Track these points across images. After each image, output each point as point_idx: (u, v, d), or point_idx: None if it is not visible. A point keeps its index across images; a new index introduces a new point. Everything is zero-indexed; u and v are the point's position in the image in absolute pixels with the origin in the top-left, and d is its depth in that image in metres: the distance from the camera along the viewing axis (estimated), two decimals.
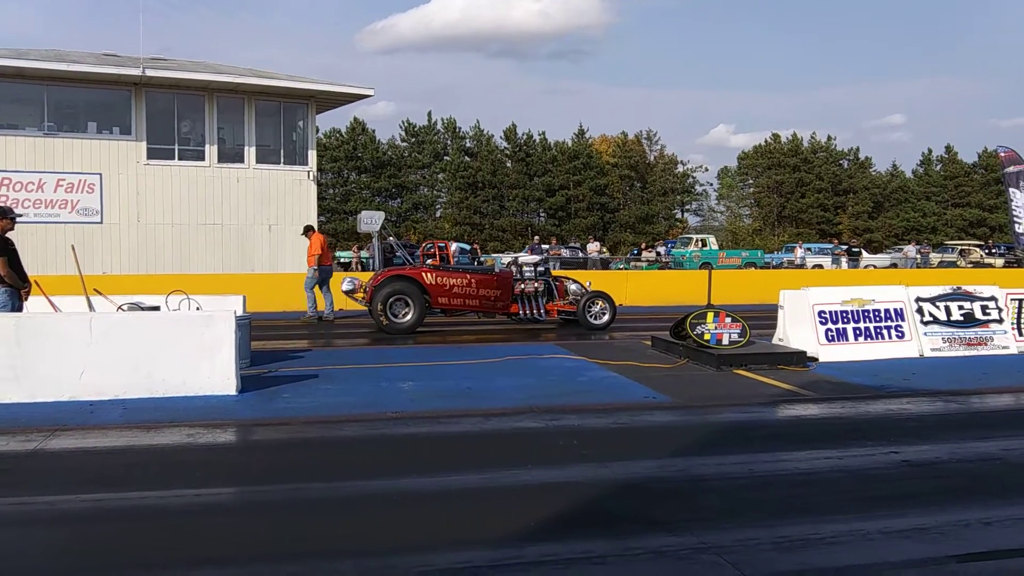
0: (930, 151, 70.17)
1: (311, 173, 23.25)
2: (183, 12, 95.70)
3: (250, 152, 22.44)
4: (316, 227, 18.75)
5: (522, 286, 14.64)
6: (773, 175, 66.59)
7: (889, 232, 64.37)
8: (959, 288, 11.45)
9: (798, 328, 10.82)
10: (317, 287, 15.95)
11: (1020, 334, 11.49)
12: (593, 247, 36.79)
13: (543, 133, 63.18)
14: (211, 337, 8.13)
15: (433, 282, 14.10)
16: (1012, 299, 11.56)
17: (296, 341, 13.00)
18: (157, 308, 9.61)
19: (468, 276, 14.51)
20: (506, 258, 27.60)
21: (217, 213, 21.95)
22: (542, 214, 62.34)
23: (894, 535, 4.49)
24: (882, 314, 10.93)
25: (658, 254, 38.19)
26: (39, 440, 6.42)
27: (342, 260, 36.67)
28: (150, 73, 20.61)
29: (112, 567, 4.10)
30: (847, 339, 10.72)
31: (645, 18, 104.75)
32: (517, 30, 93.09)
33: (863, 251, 43.66)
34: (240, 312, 9.77)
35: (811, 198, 65.26)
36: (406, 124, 62.25)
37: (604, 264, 35.80)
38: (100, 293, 10.22)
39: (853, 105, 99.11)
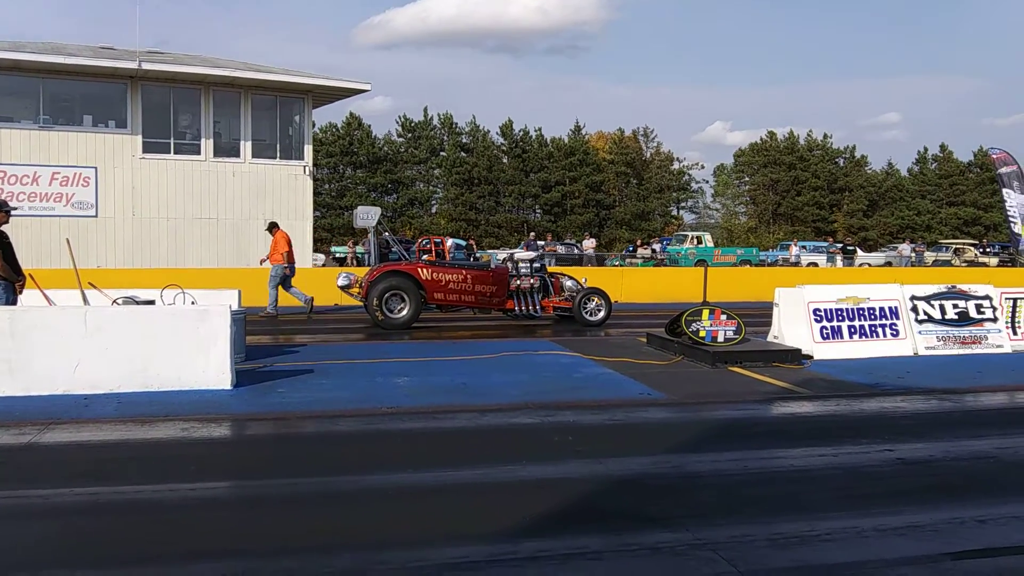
0: (925, 149, 70.40)
1: (307, 168, 23.22)
2: (179, 4, 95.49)
3: (246, 146, 22.40)
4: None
5: (518, 282, 14.64)
6: (769, 173, 66.64)
7: (884, 230, 64.50)
8: (954, 287, 11.47)
9: (793, 326, 10.84)
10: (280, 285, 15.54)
11: (1014, 333, 11.53)
12: (589, 244, 36.80)
13: (539, 129, 63.23)
14: (206, 331, 8.12)
15: (429, 278, 14.10)
16: (1006, 298, 11.60)
17: (292, 336, 12.99)
18: (152, 302, 9.59)
19: (464, 272, 14.51)
20: (502, 254, 27.64)
21: (213, 207, 21.91)
22: (538, 210, 62.30)
23: (889, 532, 4.50)
24: (877, 312, 10.95)
25: (653, 251, 38.26)
26: (33, 434, 6.40)
27: (337, 255, 36.64)
28: (146, 67, 20.55)
29: (107, 561, 4.09)
30: (842, 337, 10.74)
31: (642, 14, 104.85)
32: (514, 26, 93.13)
33: (858, 249, 43.75)
34: (235, 306, 9.76)
35: (807, 196, 65.33)
36: (402, 119, 62.21)
37: (599, 261, 35.83)
38: (95, 287, 10.20)
39: (849, 103, 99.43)
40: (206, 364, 8.09)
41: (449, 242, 32.66)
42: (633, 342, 12.03)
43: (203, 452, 6.20)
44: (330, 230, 53.05)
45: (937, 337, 11.08)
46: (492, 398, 8.02)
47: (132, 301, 9.47)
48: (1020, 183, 33.74)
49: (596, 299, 14.78)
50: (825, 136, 69.06)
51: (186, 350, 8.07)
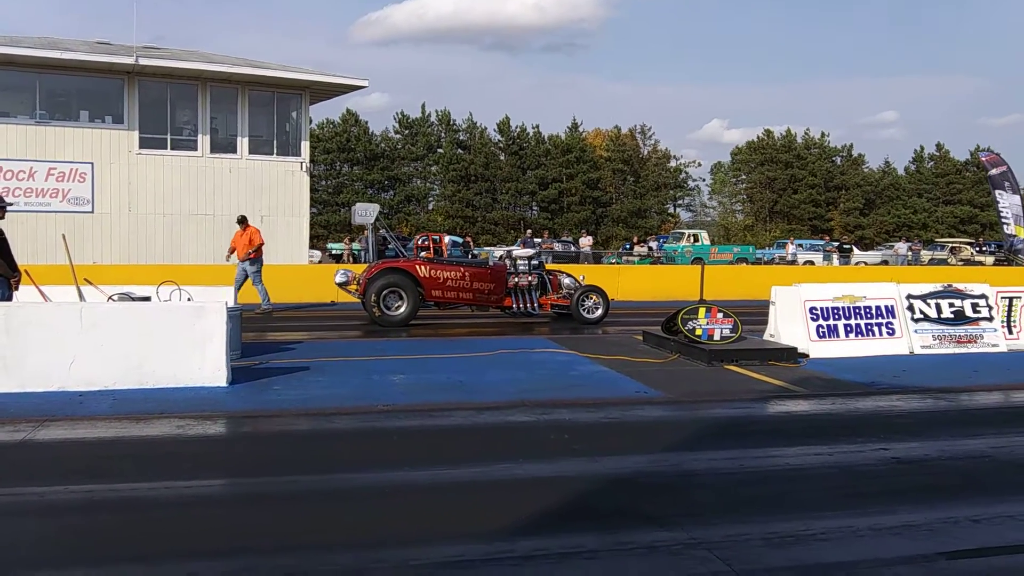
0: (922, 148, 70.49)
1: (304, 164, 23.17)
2: (177, 0, 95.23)
3: (243, 142, 22.34)
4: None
5: (516, 280, 14.64)
6: (766, 171, 66.67)
7: (880, 229, 64.59)
8: (950, 286, 11.49)
9: (789, 324, 10.84)
10: (248, 280, 15.33)
11: (1010, 332, 11.55)
12: (585, 241, 36.79)
13: (536, 126, 63.19)
14: (202, 328, 8.10)
15: (427, 275, 14.09)
16: (1002, 297, 11.62)
17: (287, 333, 12.97)
18: (148, 299, 9.58)
19: (462, 269, 14.51)
20: (498, 251, 27.61)
21: (209, 203, 21.86)
22: (535, 208, 62.29)
23: (884, 531, 4.51)
24: (873, 311, 10.96)
25: (650, 249, 38.25)
26: (28, 431, 6.39)
27: (333, 252, 36.61)
28: (143, 62, 20.49)
29: (102, 559, 4.09)
30: (838, 336, 10.75)
31: (640, 12, 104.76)
32: (511, 23, 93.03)
33: (854, 248, 43.81)
34: (231, 303, 9.75)
35: (803, 194, 65.39)
36: (400, 116, 62.13)
37: (596, 258, 35.83)
38: (91, 283, 10.17)
39: (846, 102, 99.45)
40: (202, 361, 8.07)
41: (446, 239, 32.66)
42: (629, 340, 12.03)
43: (199, 450, 6.19)
44: (326, 227, 53.01)
45: (933, 336, 11.10)
46: (488, 396, 8.02)
47: (128, 297, 9.45)
48: (1011, 183, 33.84)
49: (594, 297, 14.77)
50: (822, 134, 69.23)
51: (182, 347, 8.05)
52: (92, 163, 20.79)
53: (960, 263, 39.73)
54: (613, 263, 34.71)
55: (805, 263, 36.63)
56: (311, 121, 27.10)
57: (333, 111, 66.81)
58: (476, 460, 5.94)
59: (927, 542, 4.40)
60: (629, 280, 20.97)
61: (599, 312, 14.67)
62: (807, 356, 10.37)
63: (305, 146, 23.39)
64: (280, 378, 8.62)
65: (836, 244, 43.10)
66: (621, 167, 64.91)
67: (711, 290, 18.28)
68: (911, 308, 11.13)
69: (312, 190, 27.38)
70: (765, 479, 5.55)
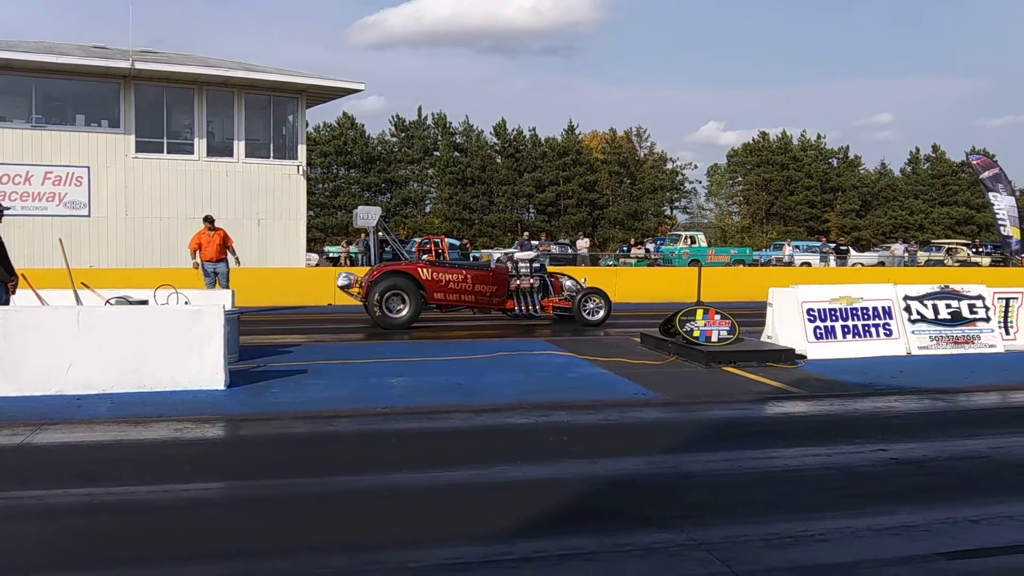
0: (918, 150, 70.62)
1: (301, 167, 23.17)
2: (173, 3, 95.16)
3: (239, 146, 22.35)
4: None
5: (517, 282, 14.64)
6: (762, 173, 66.73)
7: (877, 230, 64.67)
8: (947, 287, 11.50)
9: (787, 326, 10.85)
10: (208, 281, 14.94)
11: (1007, 333, 11.57)
12: (583, 243, 36.81)
13: (533, 129, 63.25)
14: (199, 331, 8.10)
15: (429, 278, 14.08)
16: (999, 298, 11.63)
17: (285, 336, 12.96)
18: (145, 302, 9.57)
19: (464, 272, 14.51)
20: (496, 253, 27.61)
21: (206, 207, 21.77)
22: (532, 210, 62.31)
23: (883, 532, 4.51)
24: (870, 312, 10.98)
25: (647, 251, 38.25)
26: (26, 434, 6.38)
27: (331, 255, 36.58)
28: (139, 66, 20.49)
29: (101, 562, 4.08)
30: (835, 337, 10.76)
31: (636, 15, 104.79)
32: (508, 26, 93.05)
33: (851, 249, 43.83)
34: (228, 306, 9.74)
35: (799, 196, 65.45)
36: (396, 119, 62.13)
37: (593, 261, 35.83)
38: (88, 287, 10.16)
39: (842, 104, 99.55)
40: (199, 364, 8.06)
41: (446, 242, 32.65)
42: (627, 342, 12.03)
43: (197, 453, 6.19)
44: (324, 230, 52.97)
45: (930, 337, 11.11)
46: (487, 398, 8.02)
47: (125, 301, 9.44)
48: (1005, 185, 33.90)
49: (596, 299, 14.77)
50: (819, 136, 69.34)
51: (179, 350, 8.04)
52: (88, 167, 20.79)
53: (956, 264, 39.78)
54: (610, 265, 34.72)
55: (802, 265, 36.64)
56: (308, 124, 27.08)
57: (330, 114, 66.88)
58: (474, 462, 5.93)
59: (926, 543, 4.41)
60: (626, 282, 20.99)
61: (601, 314, 14.66)
62: (804, 357, 10.38)
63: (302, 149, 23.40)
64: (278, 381, 8.61)
65: (833, 246, 43.07)
66: (618, 169, 64.97)
67: (708, 292, 18.21)
68: (908, 309, 11.14)
69: (309, 193, 27.34)
70: (763, 480, 5.55)
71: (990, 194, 34.28)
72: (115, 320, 8.13)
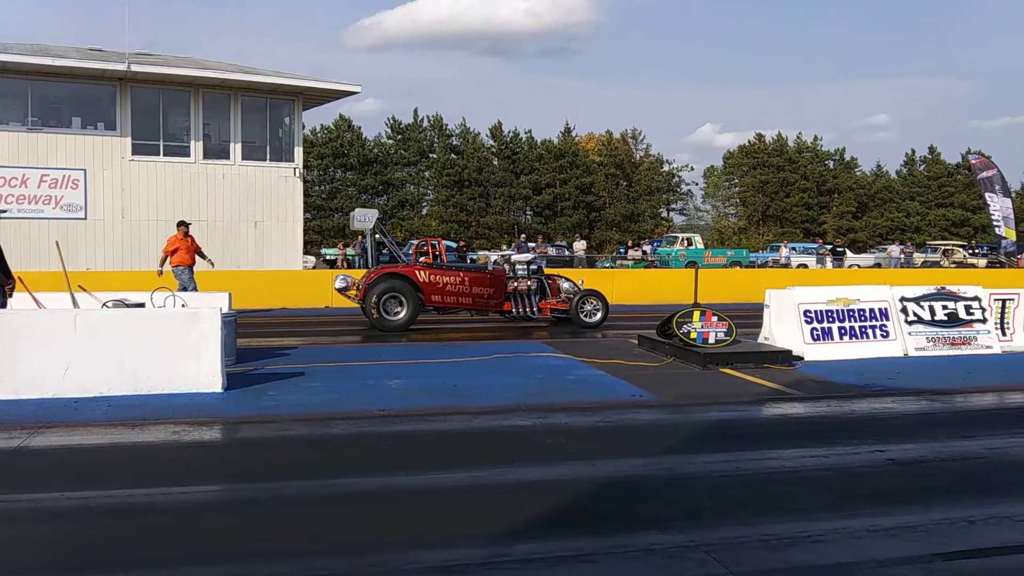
0: (914, 152, 70.84)
1: (297, 170, 23.16)
2: (169, 5, 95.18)
3: (236, 148, 22.34)
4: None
5: (515, 284, 14.64)
6: (758, 174, 66.84)
7: (873, 232, 64.78)
8: (943, 288, 11.53)
9: (784, 327, 10.87)
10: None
11: (1003, 334, 11.59)
12: (579, 245, 36.82)
13: (529, 131, 63.35)
14: (197, 334, 8.09)
15: (427, 280, 14.08)
16: (995, 299, 11.66)
17: (282, 338, 12.95)
18: (142, 305, 9.55)
19: (461, 274, 14.51)
20: (494, 255, 27.60)
21: (202, 210, 21.83)
22: (528, 212, 62.33)
23: (880, 533, 4.52)
24: (867, 313, 11.00)
25: (644, 253, 38.27)
26: (23, 437, 6.36)
27: (328, 258, 36.57)
28: (135, 68, 20.48)
29: (99, 565, 4.07)
30: (832, 338, 10.78)
31: (633, 17, 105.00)
32: (505, 28, 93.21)
33: (847, 251, 43.90)
34: (226, 309, 9.73)
35: (796, 198, 65.56)
36: (392, 121, 62.20)
37: (590, 262, 35.85)
38: (84, 290, 10.15)
39: (838, 105, 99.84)
40: (197, 367, 8.06)
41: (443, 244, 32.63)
42: (624, 344, 12.04)
43: (194, 455, 6.18)
44: (320, 232, 52.96)
45: (927, 338, 11.13)
46: (484, 400, 8.02)
47: (122, 304, 9.42)
48: (1001, 186, 33.98)
49: (593, 301, 14.78)
50: (815, 138, 69.51)
51: (177, 353, 8.03)
52: (85, 170, 20.76)
53: (953, 265, 39.87)
54: (607, 267, 34.73)
55: (799, 266, 36.70)
56: (304, 127, 27.08)
57: (326, 117, 67.07)
58: (473, 464, 5.93)
59: (923, 543, 4.41)
60: (623, 284, 21.00)
61: (598, 316, 14.67)
62: (802, 359, 10.39)
63: (298, 152, 23.40)
64: (275, 383, 8.60)
65: (829, 247, 43.15)
66: (614, 171, 65.03)
67: (705, 294, 18.25)
68: (905, 310, 11.16)
69: (305, 196, 27.35)
70: (761, 481, 5.56)
71: (987, 195, 34.35)
72: (112, 323, 8.12)
